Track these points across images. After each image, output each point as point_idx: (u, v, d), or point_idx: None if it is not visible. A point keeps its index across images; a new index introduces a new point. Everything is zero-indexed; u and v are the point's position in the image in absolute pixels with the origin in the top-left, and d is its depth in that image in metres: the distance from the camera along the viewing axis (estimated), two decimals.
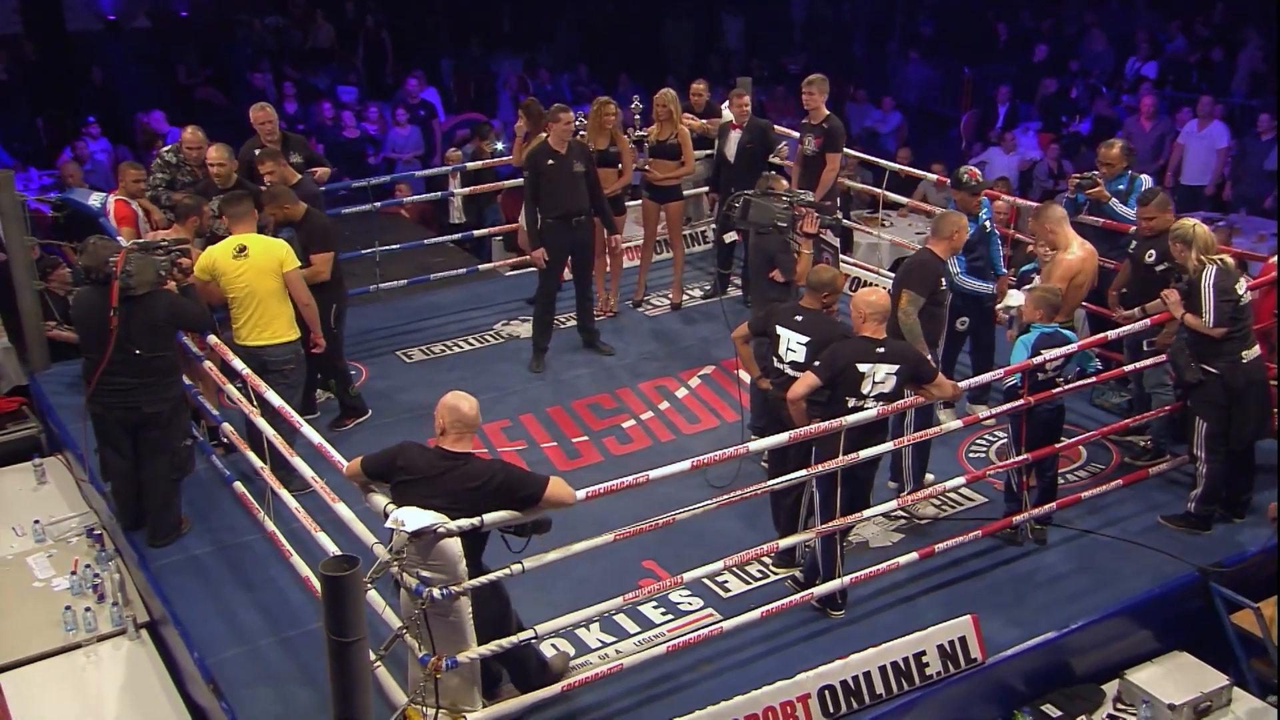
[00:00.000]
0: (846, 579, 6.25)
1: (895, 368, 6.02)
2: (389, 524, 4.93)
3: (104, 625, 6.73)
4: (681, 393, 8.87)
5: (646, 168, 9.81)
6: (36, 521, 7.60)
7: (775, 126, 10.39)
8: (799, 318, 6.46)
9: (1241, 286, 6.74)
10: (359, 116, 15.18)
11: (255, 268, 7.15)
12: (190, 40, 19.35)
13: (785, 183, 8.13)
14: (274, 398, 6.37)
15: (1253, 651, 6.52)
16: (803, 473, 6.04)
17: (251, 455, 6.76)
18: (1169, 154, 13.93)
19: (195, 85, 17.55)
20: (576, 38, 21.05)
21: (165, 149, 9.09)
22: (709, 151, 10.52)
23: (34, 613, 6.84)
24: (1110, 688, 6.28)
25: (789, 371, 6.42)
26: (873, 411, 6.01)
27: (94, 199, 8.69)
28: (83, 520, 7.71)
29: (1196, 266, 6.71)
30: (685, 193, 10.32)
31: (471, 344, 9.69)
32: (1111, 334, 6.97)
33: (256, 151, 8.51)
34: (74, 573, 7.05)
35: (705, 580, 6.33)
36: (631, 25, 20.75)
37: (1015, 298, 7.52)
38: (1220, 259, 6.73)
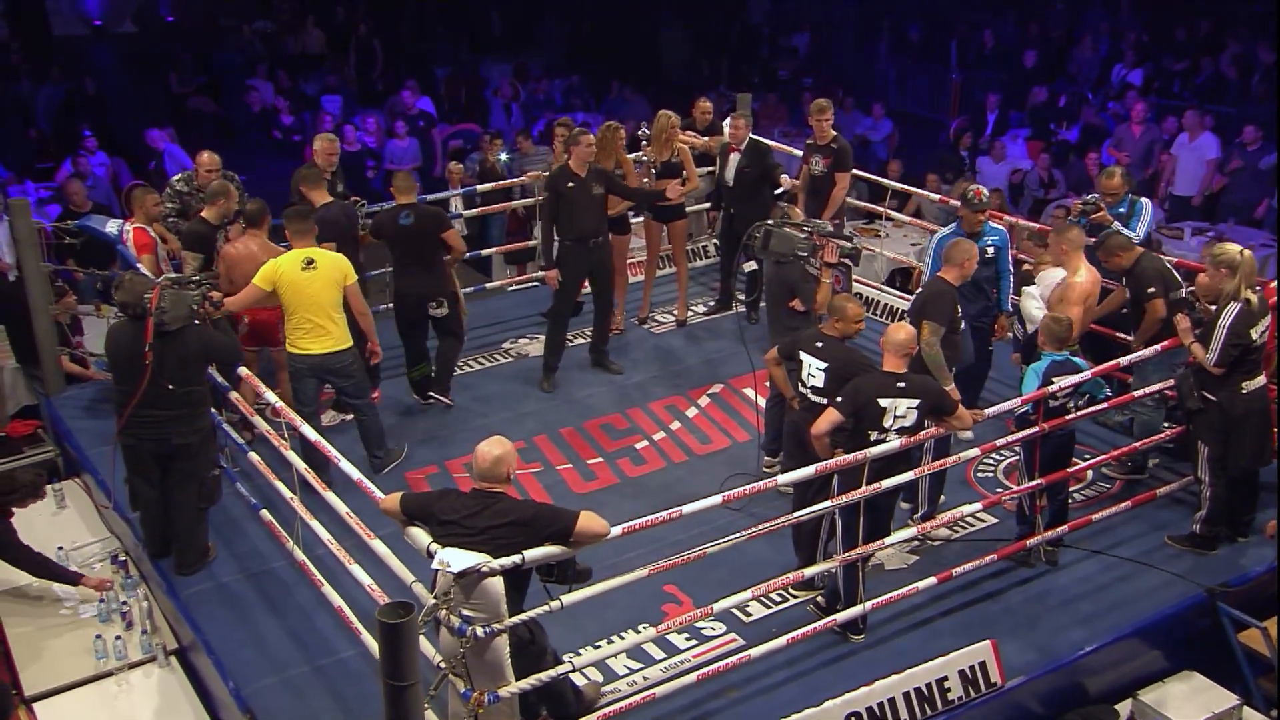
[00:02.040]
0: (868, 604, 6.39)
1: (916, 402, 6.18)
2: (435, 565, 5.04)
3: (134, 653, 6.83)
4: (692, 412, 9.00)
5: None
6: (60, 548, 7.67)
7: (772, 143, 10.51)
8: (820, 344, 6.63)
9: (1259, 331, 6.80)
10: (346, 120, 15.24)
11: (323, 279, 7.54)
12: (180, 46, 19.33)
13: (801, 212, 8.25)
14: (309, 431, 6.46)
15: (1259, 669, 6.70)
16: (827, 503, 6.19)
17: (280, 485, 6.87)
18: (1158, 162, 14.15)
19: (188, 94, 17.54)
20: (566, 43, 21.11)
21: (175, 178, 9.11)
22: (710, 168, 10.64)
23: (64, 641, 6.94)
24: (1124, 708, 6.45)
25: (811, 396, 6.59)
26: (896, 444, 6.16)
27: (110, 226, 8.75)
28: (105, 546, 7.80)
29: (1226, 298, 6.80)
30: (687, 209, 10.43)
31: (481, 363, 9.78)
32: (1123, 360, 7.11)
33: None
34: (101, 600, 7.14)
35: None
36: (624, 31, 20.82)
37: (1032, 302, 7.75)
38: (1247, 298, 6.78)
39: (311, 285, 7.51)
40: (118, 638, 6.83)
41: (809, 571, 6.40)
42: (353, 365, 7.78)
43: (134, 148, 14.94)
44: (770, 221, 7.66)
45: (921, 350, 6.89)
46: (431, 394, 8.92)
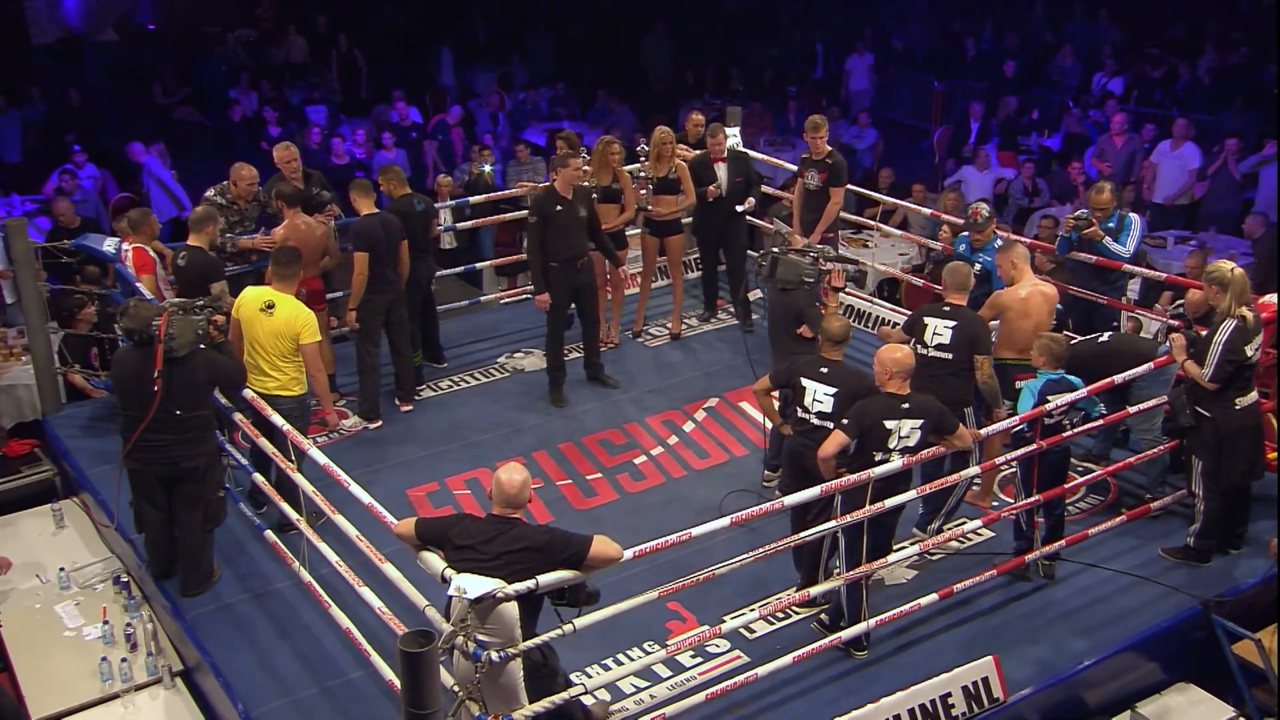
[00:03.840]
0: (871, 621, 6.48)
1: (920, 422, 6.26)
2: (451, 591, 5.09)
3: (139, 675, 6.83)
4: (689, 427, 9.06)
5: (650, 207, 9.99)
6: (61, 569, 7.67)
7: (760, 155, 10.62)
8: (825, 370, 6.69)
9: (1253, 347, 6.89)
10: (331, 131, 15.20)
11: (272, 329, 7.39)
12: (163, 56, 19.22)
13: (798, 226, 8.32)
14: (318, 454, 6.49)
15: (1253, 680, 6.81)
16: (832, 524, 6.26)
17: (286, 507, 6.90)
18: (1139, 171, 14.29)
19: (174, 105, 17.46)
20: (551, 52, 21.10)
21: (210, 192, 9.05)
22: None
23: (70, 663, 6.93)
24: None
25: (815, 420, 6.65)
26: (899, 464, 6.25)
27: (108, 244, 8.71)
28: (106, 566, 7.78)
29: (1221, 315, 6.89)
30: (683, 222, 10.51)
31: (477, 378, 9.80)
32: (1118, 378, 7.21)
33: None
34: (106, 621, 7.14)
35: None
36: (610, 39, 20.82)
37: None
38: (1242, 314, 6.86)
39: (260, 328, 7.38)
40: (123, 660, 6.83)
41: (814, 590, 6.48)
42: (294, 411, 7.44)
43: (120, 159, 14.87)
44: (775, 249, 7.73)
45: (983, 383, 7.08)
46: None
